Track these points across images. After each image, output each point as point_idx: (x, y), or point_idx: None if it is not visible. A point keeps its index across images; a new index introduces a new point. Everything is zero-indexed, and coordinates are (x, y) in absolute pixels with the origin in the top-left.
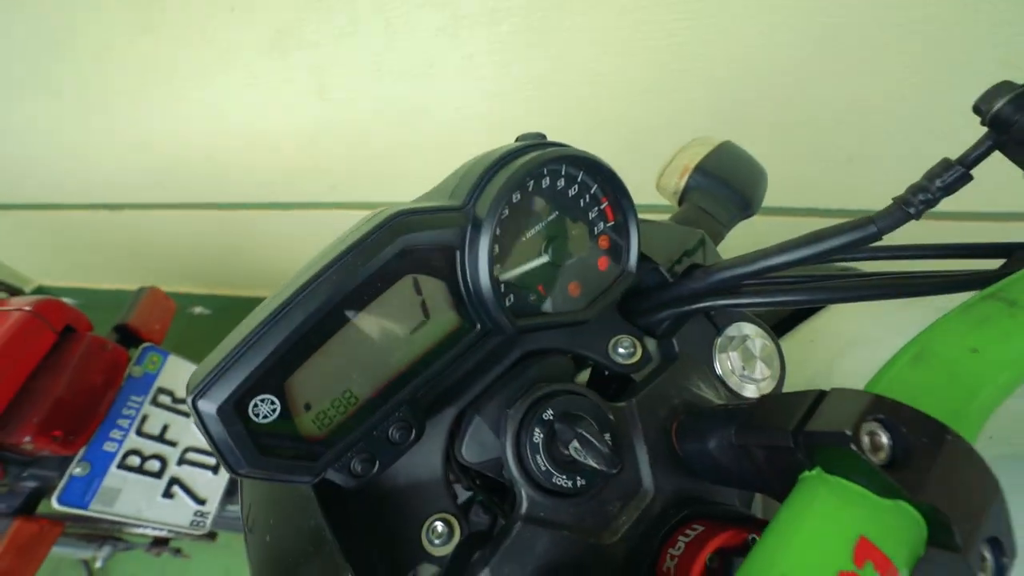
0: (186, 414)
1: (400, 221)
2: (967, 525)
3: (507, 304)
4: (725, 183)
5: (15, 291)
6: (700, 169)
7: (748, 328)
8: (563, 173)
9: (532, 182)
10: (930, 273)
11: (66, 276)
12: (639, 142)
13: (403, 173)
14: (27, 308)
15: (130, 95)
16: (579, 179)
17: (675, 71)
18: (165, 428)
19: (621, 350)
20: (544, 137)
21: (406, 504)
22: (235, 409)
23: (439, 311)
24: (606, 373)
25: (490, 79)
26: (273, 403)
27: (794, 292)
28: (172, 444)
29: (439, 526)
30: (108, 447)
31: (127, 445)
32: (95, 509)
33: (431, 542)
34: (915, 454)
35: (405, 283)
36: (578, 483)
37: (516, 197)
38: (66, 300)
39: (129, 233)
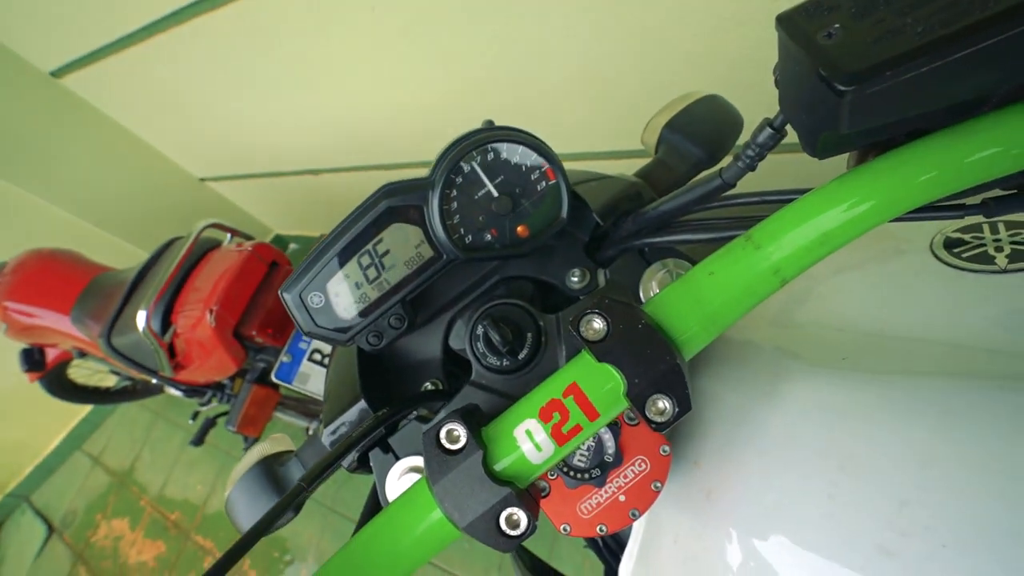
0: None
1: (386, 191)
2: (638, 381)
3: (466, 243)
4: (687, 138)
5: (249, 238)
6: (669, 126)
7: (672, 263)
8: (505, 148)
9: (479, 156)
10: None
11: (293, 226)
12: None
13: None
14: (249, 249)
15: (320, 87)
16: (520, 151)
17: None
18: None
19: (574, 278)
20: (492, 123)
21: (416, 370)
22: (299, 298)
23: (419, 246)
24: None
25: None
26: (320, 297)
27: (688, 232)
28: None
29: (429, 385)
30: (302, 345)
31: (312, 346)
32: (296, 384)
33: None
34: (614, 334)
35: (394, 228)
36: (504, 363)
37: (467, 168)
38: (292, 244)
39: (327, 192)
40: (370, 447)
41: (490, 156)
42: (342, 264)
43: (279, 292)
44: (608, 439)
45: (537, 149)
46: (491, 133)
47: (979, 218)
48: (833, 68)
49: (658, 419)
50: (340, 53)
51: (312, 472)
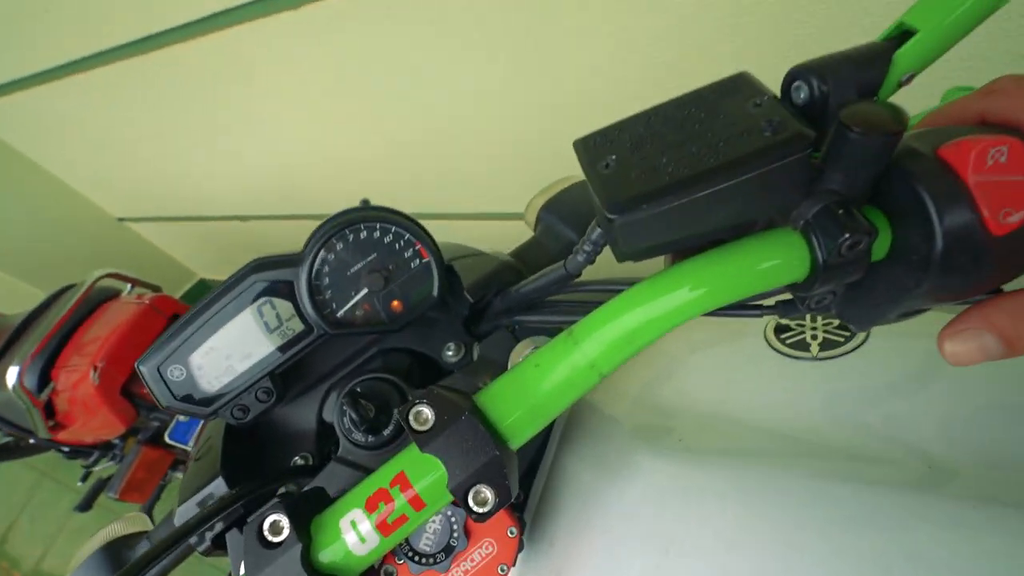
0: None
1: (254, 266)
2: (459, 473)
3: (336, 318)
4: (561, 221)
5: (155, 288)
6: (546, 207)
7: (540, 340)
8: (378, 227)
9: (352, 235)
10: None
11: (218, 271)
12: None
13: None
14: (147, 301)
15: (249, 135)
16: (392, 230)
17: None
18: None
19: (449, 352)
20: (368, 202)
21: (288, 443)
22: (157, 371)
23: (290, 320)
24: None
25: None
26: (181, 370)
27: (550, 313)
28: None
29: (299, 460)
30: None
31: None
32: (192, 446)
33: None
34: (438, 424)
35: (263, 302)
36: (369, 439)
37: (339, 245)
38: None
39: (255, 239)
40: (228, 527)
41: (363, 235)
42: (207, 337)
43: (135, 364)
44: (455, 522)
45: (409, 230)
46: (364, 213)
47: (790, 317)
48: (603, 197)
49: (479, 509)
50: (269, 103)
51: (133, 567)
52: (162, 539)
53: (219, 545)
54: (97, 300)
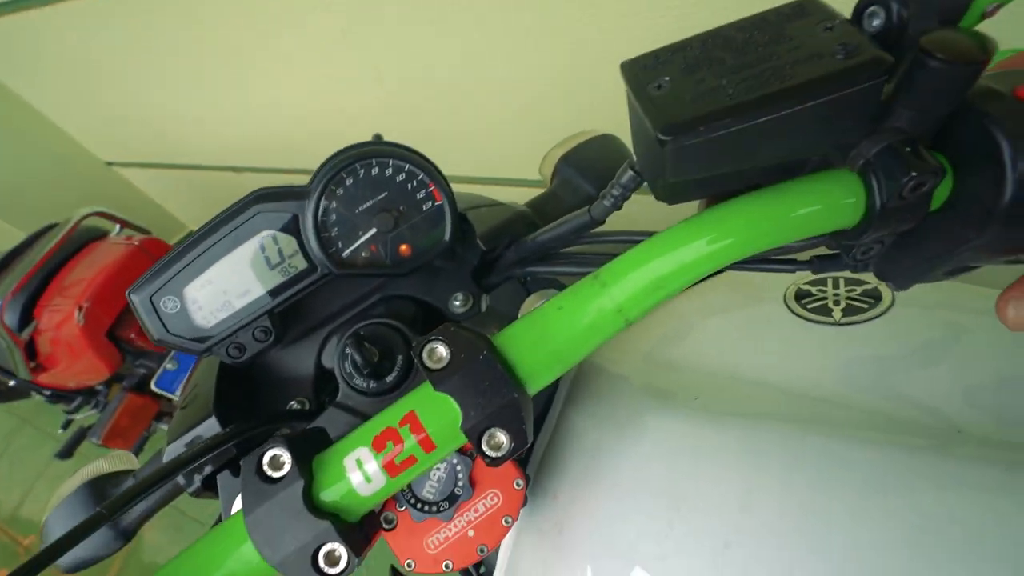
0: None
1: (258, 196)
2: (474, 414)
3: (342, 257)
4: (579, 173)
5: (144, 231)
6: (564, 159)
7: (551, 294)
8: (390, 164)
9: (363, 170)
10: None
11: None
12: None
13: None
14: (136, 243)
15: (249, 81)
16: (406, 169)
17: None
18: None
19: (456, 302)
20: (380, 137)
21: (284, 387)
22: (150, 301)
23: (292, 256)
24: None
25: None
26: (175, 301)
27: (566, 264)
28: None
29: (295, 404)
30: None
31: None
32: (178, 394)
33: None
34: (454, 362)
35: (265, 235)
36: (370, 385)
37: (349, 180)
38: None
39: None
40: (219, 469)
41: (374, 171)
42: (203, 269)
43: (126, 293)
44: (460, 471)
45: (424, 169)
46: (376, 148)
47: (826, 272)
48: (655, 119)
49: (493, 454)
50: (274, 48)
51: (121, 498)
52: (149, 475)
53: (209, 487)
54: (83, 240)
